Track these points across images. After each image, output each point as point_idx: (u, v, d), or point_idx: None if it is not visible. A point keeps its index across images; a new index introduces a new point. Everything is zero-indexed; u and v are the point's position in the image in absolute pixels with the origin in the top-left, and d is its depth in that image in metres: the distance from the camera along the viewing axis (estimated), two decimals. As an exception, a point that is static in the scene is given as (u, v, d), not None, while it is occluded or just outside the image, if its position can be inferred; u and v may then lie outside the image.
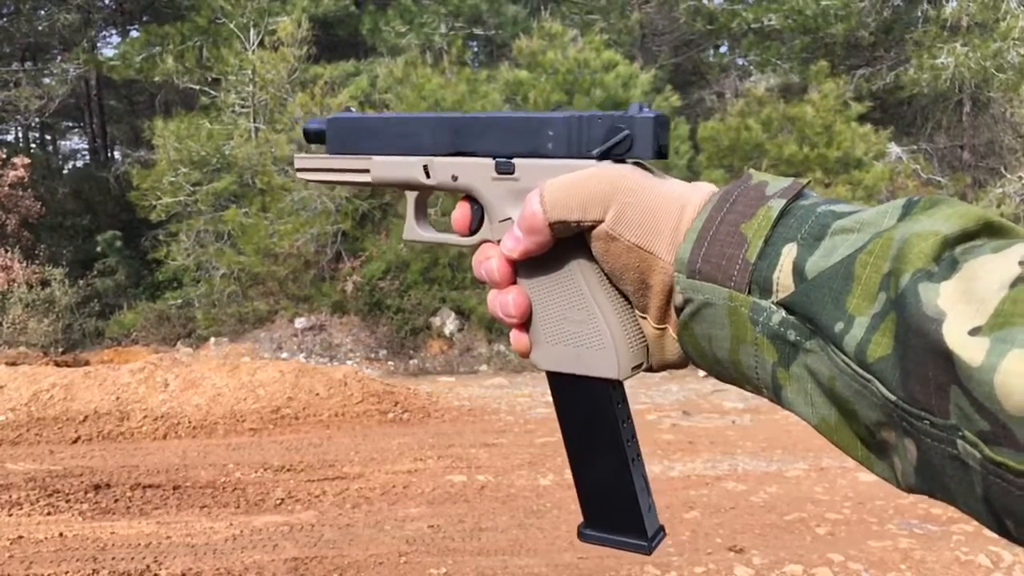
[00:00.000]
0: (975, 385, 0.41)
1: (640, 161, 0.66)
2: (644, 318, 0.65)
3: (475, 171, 0.71)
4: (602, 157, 0.65)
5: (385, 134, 0.75)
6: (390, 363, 12.33)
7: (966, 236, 0.48)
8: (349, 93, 13.88)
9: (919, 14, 15.92)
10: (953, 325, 0.43)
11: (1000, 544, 4.48)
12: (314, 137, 0.82)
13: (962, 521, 4.83)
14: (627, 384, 0.69)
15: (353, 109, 0.81)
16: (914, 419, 0.46)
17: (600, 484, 0.69)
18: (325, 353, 12.59)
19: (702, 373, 10.47)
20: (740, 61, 18.19)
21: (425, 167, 0.73)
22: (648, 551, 0.67)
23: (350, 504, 5.24)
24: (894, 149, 14.59)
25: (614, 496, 0.68)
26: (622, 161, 0.66)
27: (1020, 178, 14.42)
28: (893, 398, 0.47)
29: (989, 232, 0.49)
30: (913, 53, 15.37)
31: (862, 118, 14.04)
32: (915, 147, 15.63)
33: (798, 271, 0.53)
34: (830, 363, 0.51)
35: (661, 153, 0.65)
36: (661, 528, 0.69)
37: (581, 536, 0.70)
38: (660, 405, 8.51)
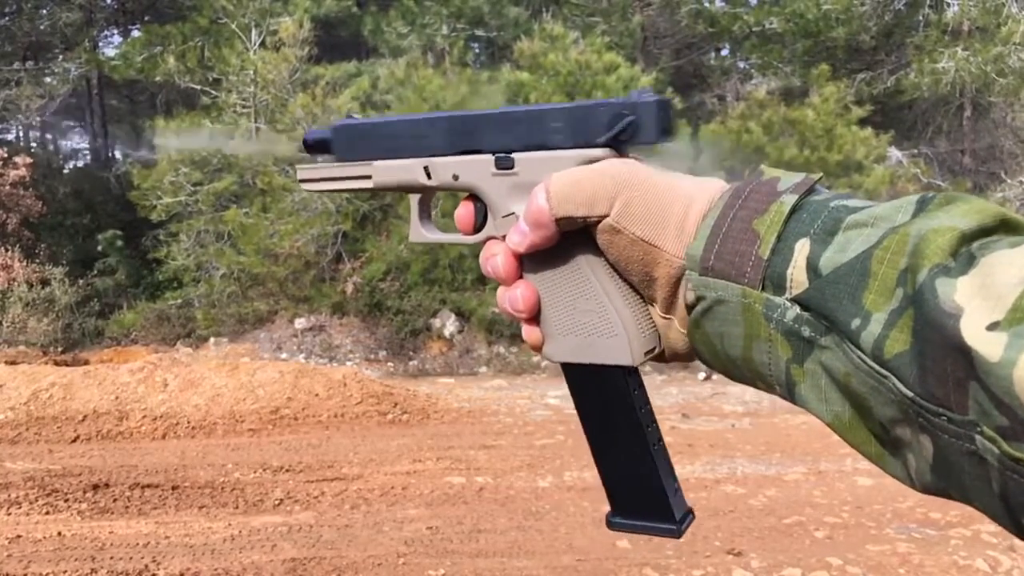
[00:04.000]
0: (994, 380, 0.41)
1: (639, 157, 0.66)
2: (652, 307, 0.66)
3: (475, 168, 0.71)
4: (608, 144, 0.65)
5: (390, 137, 0.75)
6: (390, 364, 12.33)
7: (983, 232, 0.48)
8: (350, 94, 13.90)
9: (920, 18, 15.94)
10: (971, 320, 0.43)
11: (998, 549, 4.48)
12: (316, 147, 0.81)
13: (960, 525, 4.83)
14: None
15: (356, 115, 0.81)
16: (931, 415, 0.46)
17: (624, 471, 0.69)
18: (325, 354, 12.59)
19: (702, 376, 10.51)
20: (741, 64, 18.21)
21: (426, 168, 0.73)
22: (677, 535, 0.68)
23: (349, 505, 5.23)
24: (894, 153, 14.60)
25: (638, 482, 0.68)
26: (621, 150, 0.66)
27: (1021, 183, 14.43)
28: (910, 394, 0.46)
29: (1006, 228, 0.48)
30: (914, 57, 15.39)
31: (863, 122, 14.05)
32: (915, 151, 15.64)
33: (812, 267, 0.53)
34: (845, 359, 0.50)
35: (665, 136, 0.65)
36: (690, 511, 0.70)
37: (610, 525, 0.70)
38: (659, 408, 8.50)
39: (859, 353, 0.49)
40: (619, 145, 0.65)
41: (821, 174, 0.60)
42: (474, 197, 0.73)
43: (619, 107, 0.65)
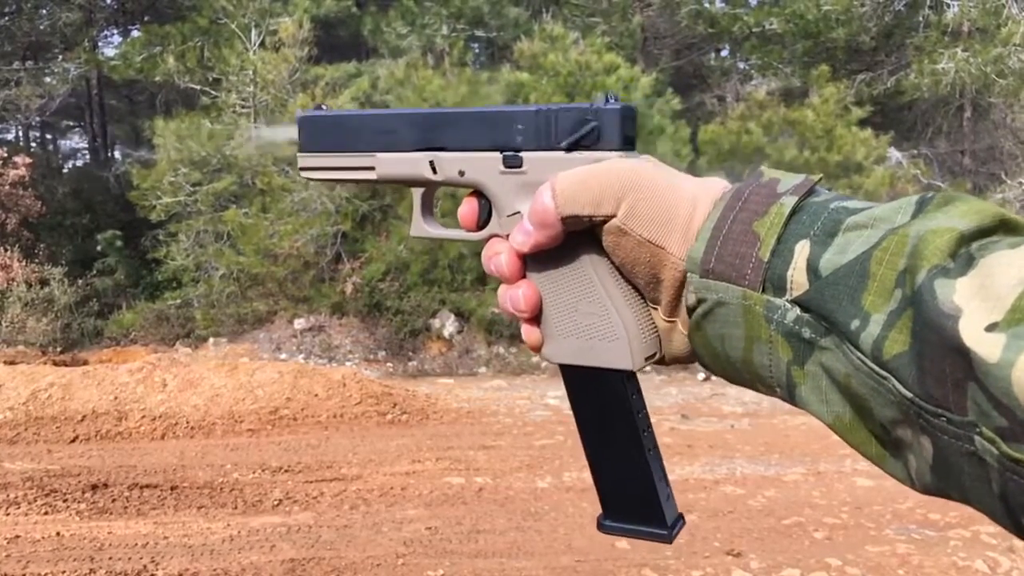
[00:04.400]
0: (992, 381, 0.41)
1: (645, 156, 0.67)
2: (655, 309, 0.65)
3: (483, 165, 0.71)
4: (570, 149, 0.65)
5: (356, 130, 0.75)
6: (389, 364, 12.32)
7: (982, 233, 0.48)
8: (350, 94, 13.89)
9: (920, 19, 15.94)
10: (970, 321, 0.43)
11: (997, 550, 4.47)
12: None
13: (959, 527, 4.83)
14: None
15: (325, 106, 0.80)
16: (931, 416, 0.46)
17: (618, 475, 0.69)
18: (324, 354, 12.58)
19: (701, 376, 10.50)
20: (741, 65, 18.22)
21: (431, 163, 0.73)
22: (669, 540, 0.68)
23: (348, 505, 5.23)
24: (894, 154, 14.61)
25: (632, 486, 0.68)
26: (635, 154, 0.66)
27: (1020, 184, 14.44)
28: (909, 395, 0.46)
29: (1005, 229, 0.48)
30: (914, 58, 15.39)
31: (863, 122, 14.06)
32: (915, 152, 15.64)
33: (812, 268, 0.53)
34: (845, 360, 0.50)
35: (628, 144, 0.65)
36: (680, 516, 0.70)
37: (601, 527, 0.70)
38: (659, 408, 8.50)
39: (859, 354, 0.49)
40: (581, 150, 0.66)
41: (821, 175, 0.60)
42: (478, 194, 0.72)
43: (583, 112, 0.65)
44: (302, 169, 0.81)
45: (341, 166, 0.78)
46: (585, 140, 0.65)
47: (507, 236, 0.69)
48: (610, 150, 0.65)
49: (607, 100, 0.65)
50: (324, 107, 0.80)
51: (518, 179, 0.69)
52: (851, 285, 0.50)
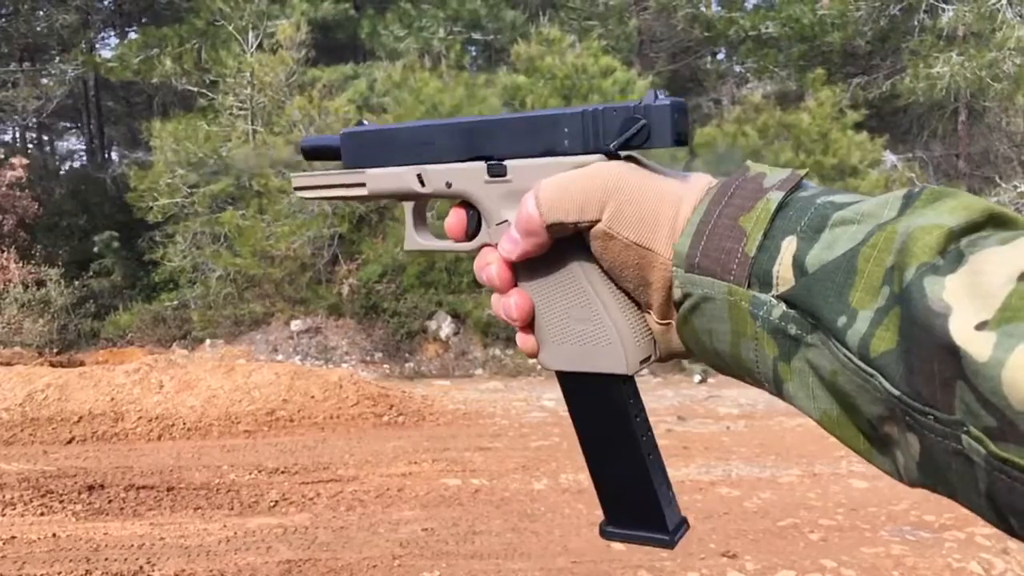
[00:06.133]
0: (981, 380, 0.41)
1: (633, 155, 0.66)
2: (648, 313, 0.65)
3: (468, 176, 0.70)
4: (620, 149, 0.64)
5: (399, 143, 0.75)
6: (386, 366, 12.32)
7: (971, 228, 0.47)
8: (347, 97, 13.91)
9: (915, 23, 15.99)
10: (959, 319, 0.42)
11: (992, 551, 4.49)
12: (314, 154, 0.81)
13: (954, 528, 4.85)
14: None
15: (366, 122, 0.80)
16: (918, 414, 0.45)
17: (618, 481, 0.68)
18: (321, 356, 12.58)
19: (697, 378, 10.52)
20: (737, 68, 18.27)
21: (419, 176, 0.73)
22: (671, 545, 0.67)
23: (344, 507, 5.23)
24: (889, 157, 14.65)
25: (633, 492, 0.68)
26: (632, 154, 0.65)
27: (1015, 187, 14.48)
28: (896, 393, 0.46)
29: (995, 223, 0.48)
30: (909, 62, 15.43)
31: (858, 126, 14.09)
32: (910, 155, 15.69)
33: (798, 264, 0.52)
34: (832, 357, 0.50)
35: (680, 140, 0.63)
36: (684, 521, 0.69)
37: (603, 534, 0.70)
38: (655, 410, 8.51)
39: (845, 351, 0.49)
40: (630, 150, 0.64)
41: (807, 170, 0.60)
42: (467, 204, 0.72)
43: (631, 111, 0.63)
44: (297, 189, 0.81)
45: (333, 184, 0.78)
46: (635, 139, 0.63)
47: (497, 245, 0.68)
48: (662, 148, 0.63)
49: (655, 96, 0.63)
50: (365, 123, 0.79)
51: (503, 188, 0.69)
52: (838, 282, 0.50)
